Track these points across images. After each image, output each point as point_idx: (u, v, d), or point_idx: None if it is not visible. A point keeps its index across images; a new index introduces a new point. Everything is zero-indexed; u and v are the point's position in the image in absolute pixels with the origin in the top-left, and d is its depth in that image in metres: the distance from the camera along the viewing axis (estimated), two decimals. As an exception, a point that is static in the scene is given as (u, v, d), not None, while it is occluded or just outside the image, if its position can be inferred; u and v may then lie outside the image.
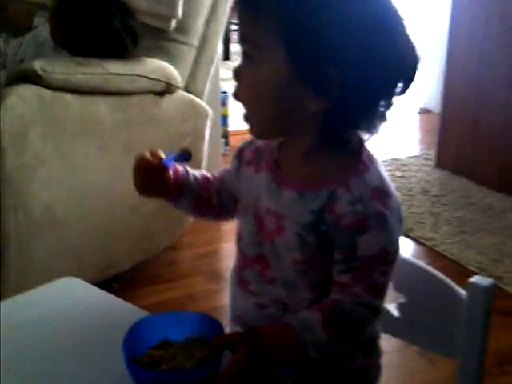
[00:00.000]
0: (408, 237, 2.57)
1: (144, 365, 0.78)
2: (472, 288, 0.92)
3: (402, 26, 0.81)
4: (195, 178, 0.98)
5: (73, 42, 1.86)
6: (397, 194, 0.86)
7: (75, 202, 1.85)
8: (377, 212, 0.81)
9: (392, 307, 1.03)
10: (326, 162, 0.85)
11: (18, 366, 0.84)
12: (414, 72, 0.83)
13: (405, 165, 3.27)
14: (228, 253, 2.39)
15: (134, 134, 1.95)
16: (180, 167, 0.97)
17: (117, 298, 1.00)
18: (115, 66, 1.85)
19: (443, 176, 3.15)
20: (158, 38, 2.14)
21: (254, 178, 0.92)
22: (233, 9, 0.81)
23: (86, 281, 1.05)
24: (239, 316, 0.95)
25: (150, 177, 0.94)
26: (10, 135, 1.63)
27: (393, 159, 3.33)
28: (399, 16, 0.81)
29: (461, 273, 2.24)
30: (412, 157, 3.41)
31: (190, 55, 2.16)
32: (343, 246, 0.83)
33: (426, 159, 3.36)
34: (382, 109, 0.84)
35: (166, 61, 2.03)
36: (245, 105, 0.85)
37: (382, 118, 0.84)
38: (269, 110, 0.83)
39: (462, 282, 0.95)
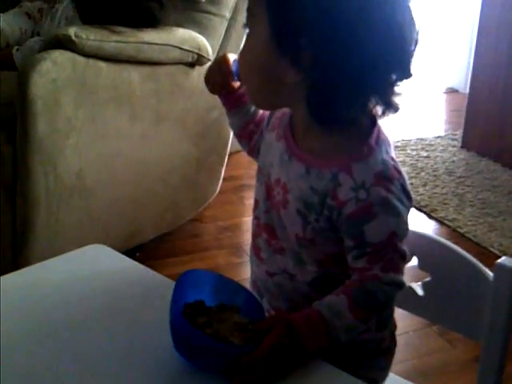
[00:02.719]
0: (431, 217, 2.57)
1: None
2: (499, 269, 0.92)
3: (394, 5, 0.79)
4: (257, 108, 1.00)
5: (99, 15, 1.87)
6: (402, 171, 0.84)
7: (104, 169, 1.87)
8: (381, 198, 0.81)
9: (416, 286, 1.04)
10: (329, 139, 0.85)
11: (44, 330, 0.85)
12: (406, 56, 0.81)
13: (430, 145, 3.25)
14: (250, 227, 2.38)
15: (164, 104, 1.96)
16: None
17: (144, 267, 1.01)
18: (148, 36, 1.86)
19: (469, 157, 3.13)
20: (190, 9, 2.13)
21: (272, 145, 0.93)
22: None
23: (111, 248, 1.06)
24: (254, 281, 0.97)
25: (221, 78, 0.97)
26: (42, 100, 1.64)
27: (418, 139, 3.30)
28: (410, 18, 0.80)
29: (483, 255, 2.24)
30: (438, 137, 3.38)
31: (221, 27, 2.16)
32: (351, 234, 0.83)
33: (452, 140, 3.34)
34: (378, 91, 0.82)
35: (197, 32, 2.03)
36: (242, 79, 0.90)
37: (384, 102, 0.83)
38: (254, 77, 0.86)
39: (485, 264, 0.96)
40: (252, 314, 0.81)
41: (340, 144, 0.85)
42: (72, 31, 1.69)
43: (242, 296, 0.83)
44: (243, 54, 0.87)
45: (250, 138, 1.00)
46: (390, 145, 0.86)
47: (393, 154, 0.86)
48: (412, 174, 2.88)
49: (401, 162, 3.02)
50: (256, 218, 0.95)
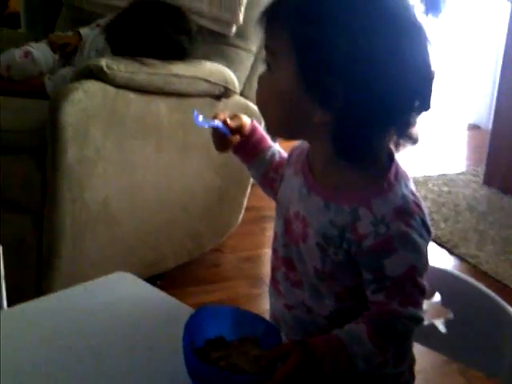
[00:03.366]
0: (452, 253, 2.56)
1: (200, 358, 0.79)
2: (523, 308, 0.92)
3: (418, 41, 0.81)
4: (273, 155, 1.02)
5: (130, 48, 1.92)
6: (422, 205, 0.85)
7: (129, 197, 1.90)
8: (401, 233, 0.82)
9: (439, 322, 1.04)
10: (349, 174, 0.86)
11: (67, 357, 0.86)
12: (428, 89, 0.82)
13: (452, 180, 3.25)
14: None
15: (190, 135, 1.99)
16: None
17: (167, 295, 1.02)
18: (177, 68, 1.90)
19: (491, 194, 3.12)
20: (218, 42, 2.18)
21: (290, 180, 0.94)
22: (258, 21, 0.86)
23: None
24: (273, 314, 0.98)
25: (216, 138, 1.01)
26: (73, 128, 1.68)
27: (440, 174, 3.31)
28: (416, 30, 0.81)
29: (504, 292, 2.21)
30: (460, 173, 3.38)
31: (248, 61, 2.20)
32: (370, 268, 0.84)
33: (474, 176, 3.33)
34: (400, 124, 0.83)
35: (224, 65, 2.07)
36: (260, 108, 0.89)
37: (402, 134, 0.84)
38: (277, 112, 0.86)
39: (506, 302, 0.95)
40: (272, 344, 0.82)
41: (359, 179, 0.86)
42: (104, 62, 1.74)
43: (261, 327, 0.84)
44: (265, 86, 0.87)
45: (271, 185, 1.01)
46: (408, 179, 0.87)
47: (413, 187, 0.87)
48: (433, 210, 2.88)
49: (422, 196, 3.01)
50: (275, 251, 0.96)
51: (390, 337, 0.84)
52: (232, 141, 1.00)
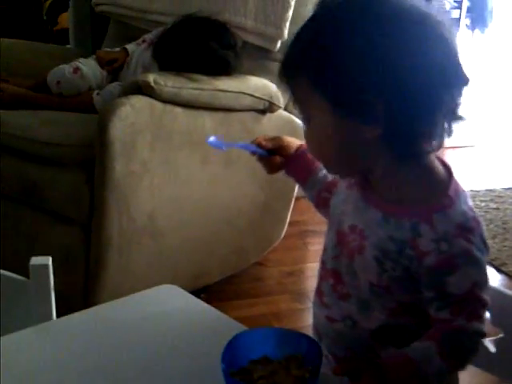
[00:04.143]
0: (500, 271, 2.50)
1: (242, 378, 0.80)
2: None
3: (446, 44, 0.83)
4: (325, 175, 1.02)
5: (176, 63, 1.94)
6: (480, 221, 0.85)
7: (175, 211, 1.92)
8: (463, 250, 0.81)
9: (488, 342, 1.02)
10: (409, 188, 0.86)
11: (113, 369, 0.86)
12: (460, 83, 0.85)
13: (500, 196, 3.19)
14: (314, 273, 2.35)
15: (235, 150, 2.00)
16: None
17: (215, 310, 1.02)
18: (222, 83, 1.92)
19: (540, 210, 3.06)
20: (262, 57, 2.19)
21: (343, 193, 0.94)
22: (280, 78, 0.89)
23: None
24: (315, 326, 0.96)
25: (260, 161, 1.04)
26: (120, 143, 1.71)
27: (487, 190, 3.25)
28: (444, 36, 0.83)
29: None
30: (508, 188, 3.31)
31: (292, 75, 2.20)
32: (432, 286, 0.83)
33: (523, 192, 3.27)
34: (444, 123, 0.85)
35: (269, 80, 2.08)
36: (318, 158, 0.92)
37: (449, 131, 0.86)
38: (335, 155, 0.87)
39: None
40: (315, 360, 0.81)
41: (419, 193, 0.86)
42: (151, 78, 1.76)
43: (304, 344, 0.84)
44: (312, 139, 0.89)
45: (324, 204, 1.01)
46: (467, 195, 0.87)
47: (471, 203, 0.86)
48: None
49: (469, 212, 2.97)
50: (323, 262, 0.95)
51: (458, 353, 0.83)
52: (275, 162, 1.01)
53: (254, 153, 1.01)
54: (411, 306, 0.87)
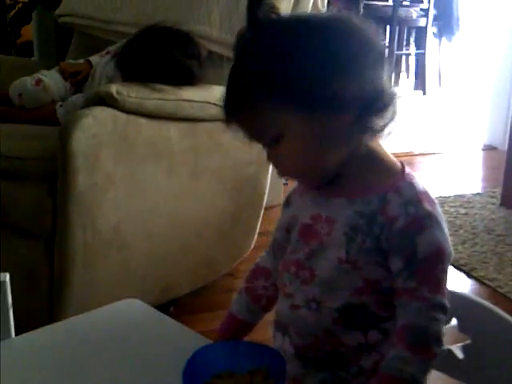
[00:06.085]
0: (470, 276, 2.52)
1: None
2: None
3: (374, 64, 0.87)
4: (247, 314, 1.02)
5: (140, 73, 1.92)
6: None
7: (141, 223, 1.89)
8: (429, 213, 0.85)
9: (456, 348, 1.01)
10: (371, 177, 0.89)
11: None
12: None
13: (469, 202, 3.22)
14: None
15: (201, 160, 1.99)
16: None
17: (178, 324, 1.01)
18: (187, 93, 1.90)
19: (508, 215, 3.08)
20: (228, 67, 2.17)
21: (297, 202, 0.96)
22: (228, 121, 0.88)
23: (146, 303, 1.06)
24: (277, 321, 0.96)
25: None
26: (83, 155, 1.68)
27: (456, 195, 3.28)
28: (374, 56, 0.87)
29: (525, 316, 2.17)
30: (476, 194, 3.35)
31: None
32: (403, 250, 0.85)
33: (491, 197, 3.30)
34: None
35: (235, 89, 2.06)
36: (296, 173, 0.91)
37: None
38: (319, 159, 0.88)
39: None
40: (279, 372, 0.80)
41: (383, 174, 0.89)
42: (114, 88, 1.74)
43: (268, 355, 0.83)
44: (287, 157, 0.88)
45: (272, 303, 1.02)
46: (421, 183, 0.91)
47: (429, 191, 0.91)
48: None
49: (438, 219, 2.99)
50: (283, 261, 0.96)
51: (428, 342, 0.84)
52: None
53: None
54: (375, 284, 0.88)
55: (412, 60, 6.53)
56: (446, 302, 0.86)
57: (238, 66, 0.89)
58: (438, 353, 0.84)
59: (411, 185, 0.88)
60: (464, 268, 2.56)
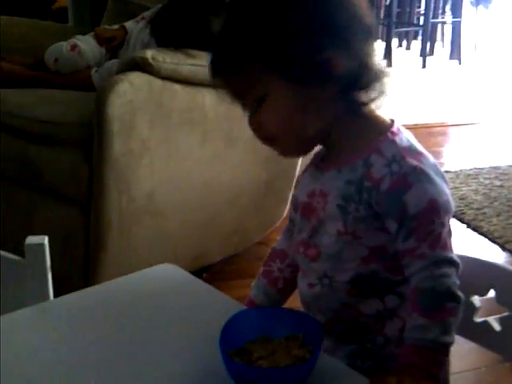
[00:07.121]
0: (505, 249, 2.49)
1: (241, 358, 0.78)
2: None
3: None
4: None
5: (174, 39, 1.91)
6: (428, 154, 0.88)
7: (175, 190, 1.89)
8: (413, 167, 0.84)
9: (493, 320, 1.00)
10: (360, 137, 0.89)
11: (114, 346, 0.86)
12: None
13: (504, 173, 3.16)
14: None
15: (236, 128, 1.98)
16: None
17: (214, 289, 1.01)
18: (222, 59, 1.89)
19: (545, 187, 3.03)
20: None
21: (299, 183, 0.97)
22: (213, 78, 0.88)
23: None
24: (302, 300, 0.97)
25: None
26: (119, 121, 1.68)
27: (491, 167, 3.22)
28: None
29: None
30: (512, 166, 3.30)
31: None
32: (393, 211, 0.84)
33: (528, 169, 3.24)
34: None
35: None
36: (277, 138, 0.89)
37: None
38: (299, 126, 0.88)
39: None
40: (315, 340, 0.80)
41: (369, 136, 0.88)
42: (149, 54, 1.73)
43: (305, 323, 0.83)
44: (269, 120, 0.88)
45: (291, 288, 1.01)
46: (411, 135, 0.90)
47: (417, 145, 0.89)
48: (485, 204, 2.80)
49: (473, 190, 2.95)
50: (293, 242, 0.97)
51: (440, 302, 0.82)
52: None
53: None
54: (380, 250, 0.87)
55: (448, 29, 6.41)
56: (451, 255, 0.84)
57: (229, 24, 0.89)
58: (456, 307, 0.83)
59: (392, 142, 0.86)
60: (499, 240, 2.53)
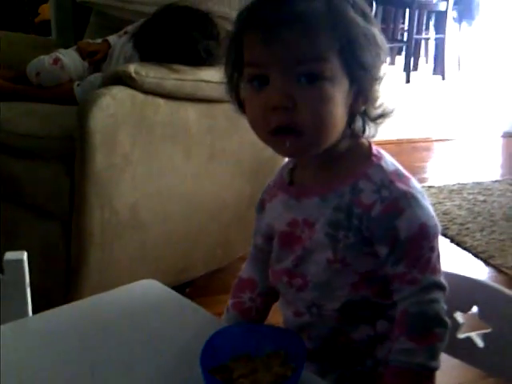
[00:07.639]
0: (488, 264, 2.49)
1: (222, 376, 0.77)
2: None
3: None
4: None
5: (158, 54, 1.91)
6: (410, 175, 0.88)
7: (158, 204, 1.88)
8: (404, 192, 0.83)
9: (476, 336, 1.00)
10: (341, 165, 0.87)
11: (92, 364, 0.85)
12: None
13: (487, 189, 3.18)
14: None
15: (219, 141, 1.98)
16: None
17: (195, 305, 1.00)
18: (205, 74, 1.88)
19: (527, 203, 3.05)
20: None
21: (268, 209, 0.94)
22: (272, 34, 0.80)
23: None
24: (285, 327, 0.95)
25: None
26: (101, 135, 1.67)
27: (475, 183, 3.24)
28: None
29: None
30: (495, 181, 3.31)
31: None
32: (385, 236, 0.83)
33: (510, 184, 3.26)
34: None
35: (254, 71, 2.05)
36: (304, 132, 0.81)
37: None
38: (333, 124, 0.83)
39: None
40: (297, 356, 0.79)
41: (351, 162, 0.87)
42: (132, 68, 1.73)
43: (287, 339, 0.82)
44: (318, 101, 0.81)
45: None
46: (388, 155, 0.89)
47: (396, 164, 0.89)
48: (469, 219, 2.81)
49: (457, 205, 2.97)
50: (271, 270, 0.94)
51: (429, 327, 0.82)
52: None
53: None
54: (370, 275, 0.86)
55: (431, 44, 6.47)
56: (440, 279, 0.84)
57: None
58: (443, 332, 0.83)
59: (379, 167, 0.85)
60: (482, 256, 2.54)
